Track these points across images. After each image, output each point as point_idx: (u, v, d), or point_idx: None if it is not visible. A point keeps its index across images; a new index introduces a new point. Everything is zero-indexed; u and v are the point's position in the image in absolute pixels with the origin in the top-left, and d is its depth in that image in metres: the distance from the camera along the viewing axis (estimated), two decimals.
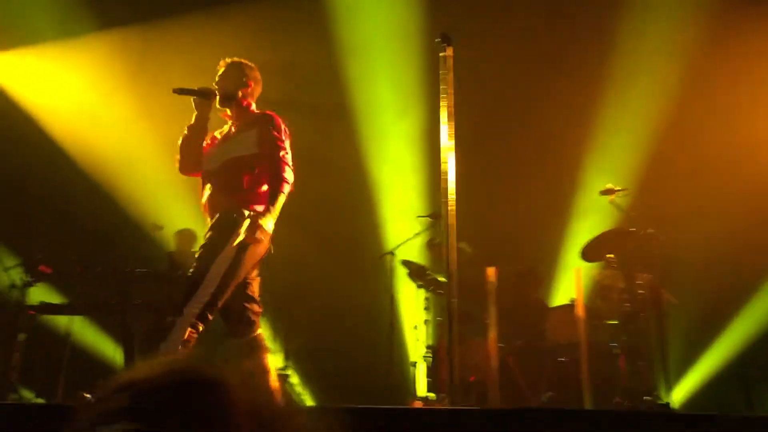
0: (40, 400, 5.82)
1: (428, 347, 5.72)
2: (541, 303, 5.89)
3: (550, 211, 6.91)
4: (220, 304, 3.42)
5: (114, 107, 6.10)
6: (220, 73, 3.84)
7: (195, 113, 3.76)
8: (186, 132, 3.80)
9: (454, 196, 3.47)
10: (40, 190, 7.01)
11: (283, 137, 3.68)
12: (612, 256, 5.27)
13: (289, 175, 3.60)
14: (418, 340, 5.91)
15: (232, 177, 3.61)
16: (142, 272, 5.76)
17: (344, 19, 7.01)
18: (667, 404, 4.77)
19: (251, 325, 3.62)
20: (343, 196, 7.50)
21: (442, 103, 3.57)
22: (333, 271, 7.18)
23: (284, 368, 6.40)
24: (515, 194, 6.95)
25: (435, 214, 5.84)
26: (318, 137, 7.30)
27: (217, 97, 3.75)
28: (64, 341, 5.97)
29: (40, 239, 6.61)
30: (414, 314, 6.06)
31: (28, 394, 5.55)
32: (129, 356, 5.38)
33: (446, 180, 3.46)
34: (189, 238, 6.52)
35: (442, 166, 3.52)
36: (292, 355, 6.53)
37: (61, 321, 6.13)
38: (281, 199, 3.55)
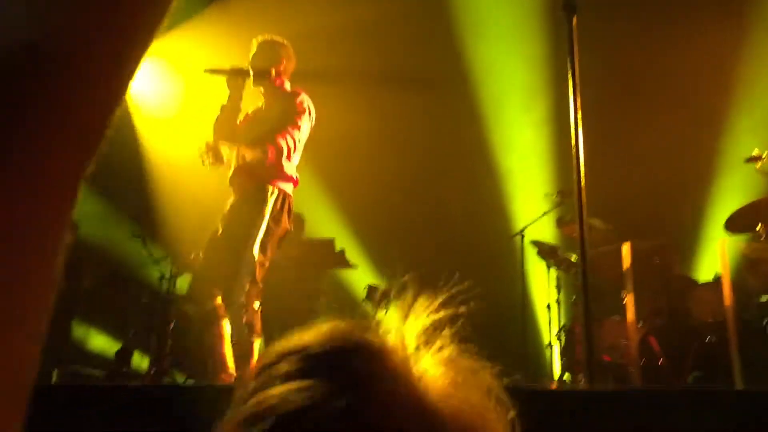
0: (190, 381, 6.21)
1: (561, 327, 5.59)
2: (683, 279, 5.56)
3: (689, 180, 6.52)
4: (260, 277, 3.50)
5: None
6: (252, 52, 3.86)
7: (228, 93, 3.80)
8: (219, 111, 3.84)
9: (583, 171, 3.32)
10: (185, 186, 7.42)
11: (301, 117, 3.69)
12: (762, 227, 4.89)
13: (283, 144, 3.58)
14: (551, 320, 5.79)
15: (255, 153, 3.65)
16: (276, 259, 6.00)
17: None
18: None
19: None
20: (469, 177, 7.44)
21: (568, 75, 3.42)
22: (462, 253, 7.15)
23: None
24: (650, 165, 6.59)
25: (564, 191, 5.68)
26: (440, 114, 7.25)
27: (251, 77, 3.78)
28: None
29: (186, 232, 7.01)
30: (546, 294, 5.94)
31: (180, 377, 5.93)
32: None
33: (576, 154, 3.32)
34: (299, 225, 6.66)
35: (572, 140, 3.38)
36: None
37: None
38: (256, 152, 3.57)
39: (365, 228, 7.47)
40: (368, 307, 6.39)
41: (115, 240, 6.90)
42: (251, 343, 3.39)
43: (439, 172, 7.52)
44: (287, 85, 3.88)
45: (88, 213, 6.95)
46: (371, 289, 6.56)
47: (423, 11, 6.95)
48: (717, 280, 4.86)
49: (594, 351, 3.35)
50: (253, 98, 3.98)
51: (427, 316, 0.53)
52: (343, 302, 6.83)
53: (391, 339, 0.51)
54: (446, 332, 0.52)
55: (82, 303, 6.37)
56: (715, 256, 4.95)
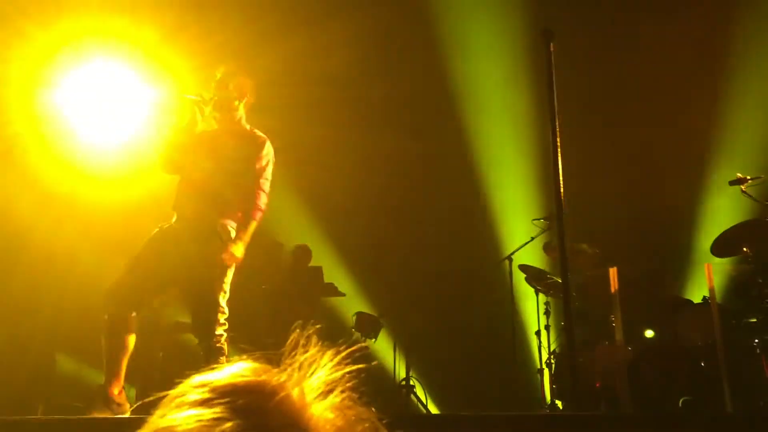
0: None
1: (551, 353, 5.57)
2: (671, 303, 5.57)
3: (676, 204, 6.56)
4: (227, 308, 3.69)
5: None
6: (217, 79, 3.85)
7: (187, 116, 3.80)
8: (172, 132, 3.83)
9: (563, 195, 3.32)
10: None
11: (268, 166, 3.82)
12: (747, 249, 4.91)
13: (263, 202, 3.78)
14: (541, 346, 5.77)
15: (217, 188, 3.72)
16: (265, 289, 5.98)
17: (446, 18, 6.93)
18: None
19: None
20: (457, 203, 7.46)
21: (546, 100, 3.44)
22: (451, 279, 7.15)
23: (408, 378, 6.43)
24: (635, 189, 6.64)
25: (551, 216, 5.70)
26: (427, 141, 7.29)
27: (211, 104, 3.80)
28: (197, 357, 6.26)
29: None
30: (535, 319, 5.93)
31: None
32: None
33: (555, 178, 3.33)
34: (306, 255, 6.68)
35: (552, 165, 3.39)
36: (413, 365, 6.54)
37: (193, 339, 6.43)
38: (253, 226, 3.75)
39: (354, 256, 7.46)
40: (357, 334, 6.36)
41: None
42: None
43: (427, 199, 7.55)
44: (244, 119, 3.92)
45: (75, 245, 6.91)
46: (360, 316, 6.54)
47: (410, 39, 7.03)
48: (705, 303, 4.87)
49: (578, 376, 3.33)
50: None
51: (331, 367, 0.58)
52: (332, 331, 6.79)
53: (291, 384, 0.56)
54: (344, 384, 0.57)
55: (68, 336, 6.31)
56: (703, 279, 4.96)
